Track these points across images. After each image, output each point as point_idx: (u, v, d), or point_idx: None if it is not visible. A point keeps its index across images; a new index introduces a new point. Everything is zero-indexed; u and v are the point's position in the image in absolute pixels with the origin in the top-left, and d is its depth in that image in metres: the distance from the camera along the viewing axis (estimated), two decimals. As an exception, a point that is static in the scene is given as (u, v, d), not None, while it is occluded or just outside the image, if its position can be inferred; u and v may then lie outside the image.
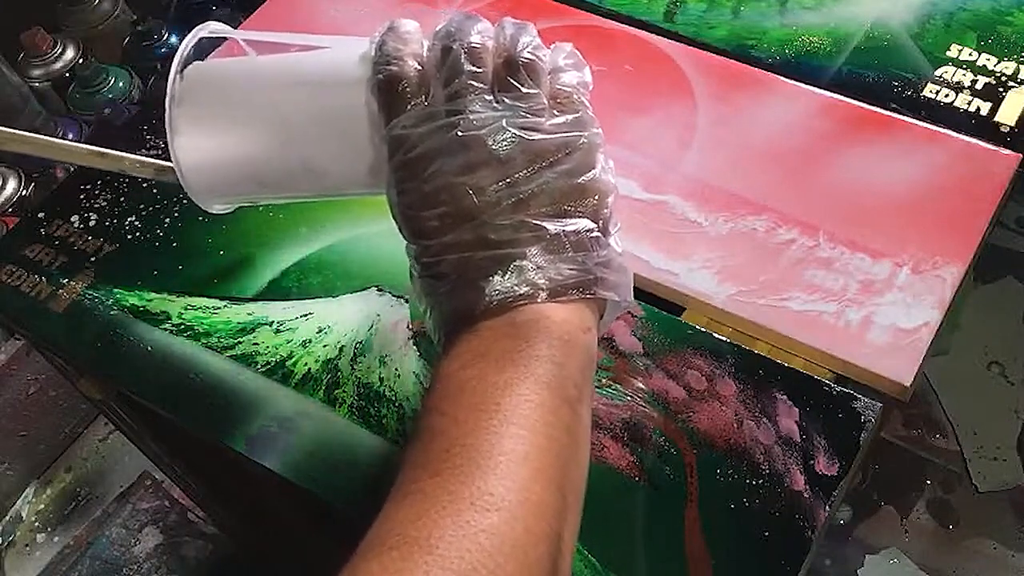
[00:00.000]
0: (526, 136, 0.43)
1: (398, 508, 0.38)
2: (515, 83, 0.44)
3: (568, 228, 0.44)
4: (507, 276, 0.43)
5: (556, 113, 0.45)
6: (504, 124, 0.43)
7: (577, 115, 0.45)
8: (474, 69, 0.44)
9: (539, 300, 0.43)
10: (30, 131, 0.60)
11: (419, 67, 0.46)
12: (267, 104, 0.50)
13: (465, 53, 0.45)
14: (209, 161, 0.51)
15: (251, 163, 0.51)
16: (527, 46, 0.46)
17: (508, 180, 0.43)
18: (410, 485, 0.39)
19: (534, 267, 0.43)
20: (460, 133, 0.43)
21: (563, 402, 0.41)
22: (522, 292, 0.42)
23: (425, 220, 0.44)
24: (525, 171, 0.43)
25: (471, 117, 0.43)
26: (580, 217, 0.44)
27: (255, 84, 0.50)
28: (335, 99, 0.48)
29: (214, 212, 0.56)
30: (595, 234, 0.44)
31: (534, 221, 0.43)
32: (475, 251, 0.43)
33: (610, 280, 0.45)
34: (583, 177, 0.44)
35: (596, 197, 0.45)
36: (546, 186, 0.44)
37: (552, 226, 0.43)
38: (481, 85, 0.44)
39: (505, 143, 0.43)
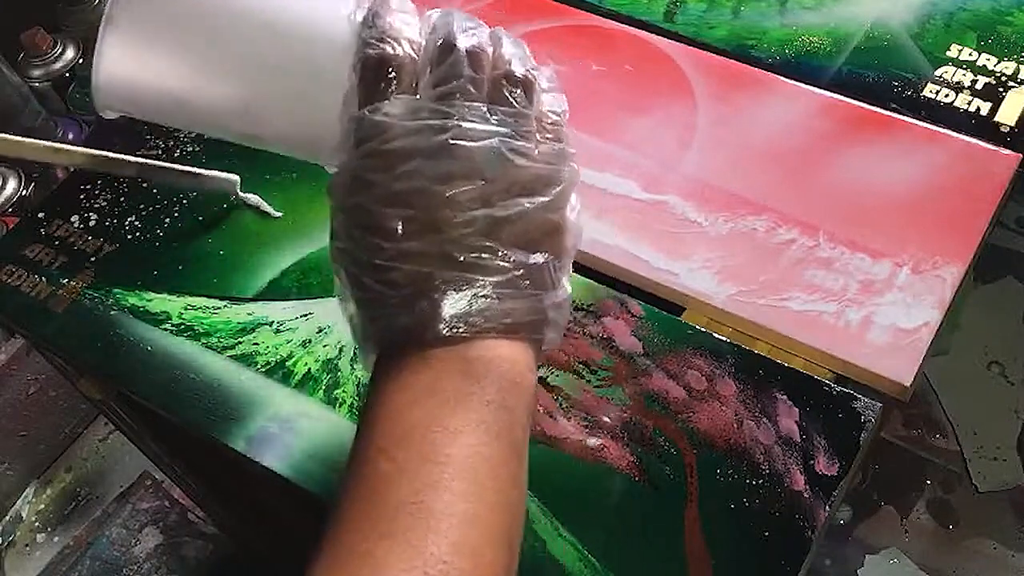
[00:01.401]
0: (515, 160, 0.42)
1: (344, 571, 0.37)
2: (511, 99, 0.43)
3: (533, 263, 0.42)
4: (466, 304, 0.41)
5: (542, 140, 0.43)
6: (497, 142, 0.41)
7: (561, 146, 0.44)
8: (473, 74, 0.42)
9: (492, 335, 0.41)
10: (30, 130, 0.60)
11: (413, 54, 0.43)
12: (225, 33, 0.44)
13: (467, 55, 0.42)
14: (139, 80, 0.45)
15: (186, 92, 0.45)
16: (526, 63, 0.44)
17: (487, 201, 0.41)
18: (359, 544, 0.37)
19: (494, 298, 0.41)
20: (451, 140, 0.41)
21: (511, 451, 0.40)
22: (478, 324, 0.41)
23: (386, 218, 0.41)
24: (505, 195, 0.41)
25: (464, 126, 0.41)
26: (545, 252, 0.43)
27: (215, 5, 0.44)
28: (312, 58, 0.44)
29: (104, 116, 0.48)
30: (557, 273, 0.43)
31: (503, 250, 0.41)
32: (436, 268, 0.41)
33: (558, 322, 0.43)
34: (557, 213, 0.43)
35: (565, 236, 0.43)
36: (523, 215, 0.42)
37: (519, 258, 0.42)
38: (476, 92, 0.42)
39: (494, 162, 0.41)
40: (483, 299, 0.41)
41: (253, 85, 0.45)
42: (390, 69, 0.42)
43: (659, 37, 0.76)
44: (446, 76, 0.42)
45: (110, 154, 0.54)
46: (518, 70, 0.43)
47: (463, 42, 0.43)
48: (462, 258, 0.41)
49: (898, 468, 1.30)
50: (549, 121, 0.44)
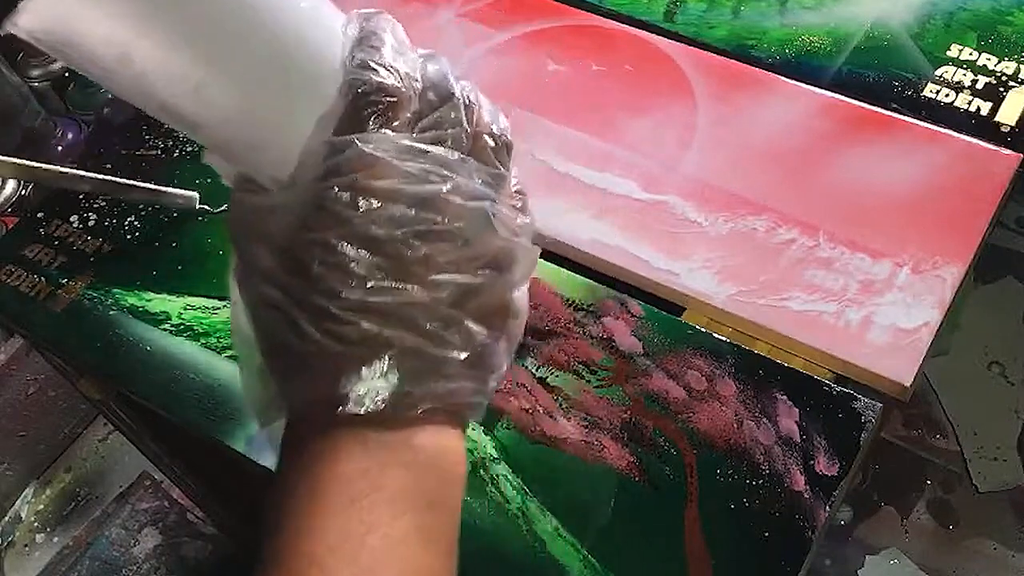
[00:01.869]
0: (497, 228, 0.38)
1: None
2: (496, 159, 0.40)
3: (489, 342, 0.38)
4: (422, 378, 0.37)
5: (512, 212, 0.40)
6: (487, 206, 0.38)
7: (528, 220, 0.41)
8: (467, 128, 0.39)
9: (437, 418, 0.37)
10: (30, 130, 0.61)
11: (411, 91, 0.39)
12: (214, 7, 0.38)
13: (465, 107, 0.39)
14: (84, 16, 0.37)
15: (133, 47, 0.38)
16: (503, 126, 0.41)
17: (459, 266, 0.37)
18: None
19: (446, 377, 0.37)
20: (446, 194, 0.37)
21: (447, 556, 0.38)
22: (426, 403, 0.37)
23: (353, 262, 0.36)
24: (474, 263, 0.38)
25: (459, 180, 0.37)
26: (498, 332, 0.39)
27: None
28: (297, 62, 0.39)
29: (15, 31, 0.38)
30: (501, 356, 0.39)
31: (467, 323, 0.37)
32: (396, 331, 0.36)
33: (486, 405, 0.40)
34: (514, 292, 0.39)
35: (516, 320, 0.40)
36: (489, 288, 0.38)
37: (480, 336, 0.38)
38: (467, 145, 0.39)
39: (480, 225, 0.38)
40: (439, 377, 0.37)
41: (218, 66, 0.39)
42: (384, 101, 0.38)
43: (659, 37, 0.76)
44: (440, 123, 0.39)
45: (65, 169, 0.54)
46: (496, 131, 0.40)
47: (462, 92, 0.40)
48: (428, 326, 0.36)
49: (898, 468, 1.30)
50: (522, 192, 0.41)
